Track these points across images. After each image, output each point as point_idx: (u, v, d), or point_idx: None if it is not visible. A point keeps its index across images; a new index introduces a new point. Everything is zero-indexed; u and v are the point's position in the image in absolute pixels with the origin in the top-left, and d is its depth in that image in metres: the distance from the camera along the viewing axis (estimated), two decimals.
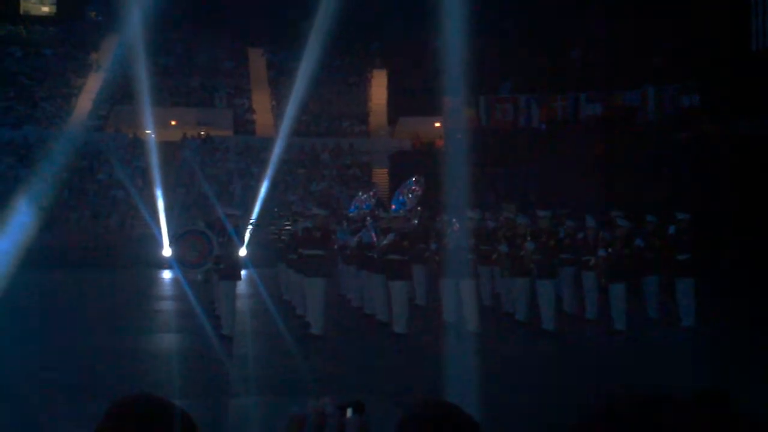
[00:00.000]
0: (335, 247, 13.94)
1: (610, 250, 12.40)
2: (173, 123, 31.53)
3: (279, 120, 28.94)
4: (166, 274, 21.56)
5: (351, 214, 15.63)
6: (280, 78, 33.87)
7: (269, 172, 25.49)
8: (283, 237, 15.19)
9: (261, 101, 34.77)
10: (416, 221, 13.96)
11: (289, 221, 15.42)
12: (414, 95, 30.17)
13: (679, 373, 9.29)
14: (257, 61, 36.62)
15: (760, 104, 16.10)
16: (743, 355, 10.06)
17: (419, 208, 14.56)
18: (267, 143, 28.63)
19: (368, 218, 13.83)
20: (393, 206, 14.59)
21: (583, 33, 25.83)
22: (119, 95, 30.98)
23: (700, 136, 17.30)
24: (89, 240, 24.27)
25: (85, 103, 32.03)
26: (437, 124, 30.04)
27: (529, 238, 12.62)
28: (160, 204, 23.77)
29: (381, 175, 29.97)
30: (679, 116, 20.82)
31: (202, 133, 31.85)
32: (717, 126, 17.09)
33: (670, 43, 21.55)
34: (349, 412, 1.46)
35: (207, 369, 9.64)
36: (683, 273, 12.26)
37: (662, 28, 21.82)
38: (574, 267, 13.43)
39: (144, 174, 26.80)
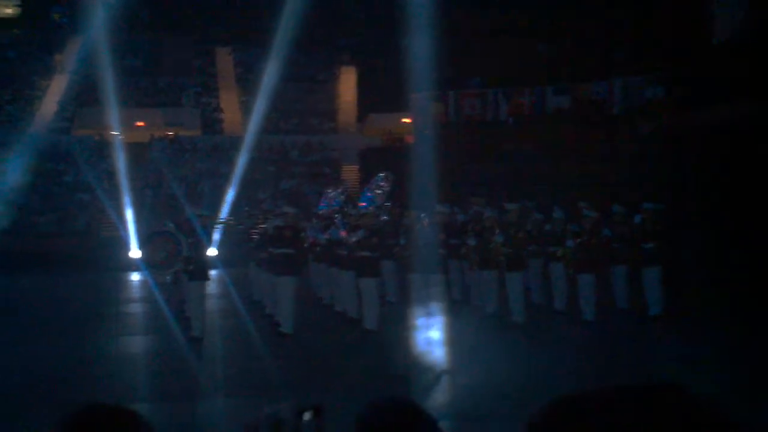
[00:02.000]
0: (305, 245, 13.91)
1: (578, 240, 12.50)
2: (140, 124, 31.20)
3: (247, 118, 28.76)
4: (135, 277, 21.39)
5: (320, 211, 15.59)
6: (248, 76, 33.64)
7: (238, 170, 25.36)
8: (253, 236, 15.12)
9: (229, 100, 34.54)
10: (386, 217, 13.97)
11: (259, 220, 15.33)
12: (383, 92, 30.13)
13: (646, 363, 9.42)
14: (224, 59, 36.35)
15: (723, 95, 16.32)
16: (709, 344, 10.20)
17: (387, 204, 14.57)
18: (236, 142, 28.47)
19: (336, 215, 13.82)
20: (362, 203, 14.58)
21: (549, 26, 25.97)
22: (85, 97, 30.65)
23: (663, 127, 17.50)
24: (56, 243, 23.97)
25: (50, 105, 31.59)
26: (406, 120, 30.05)
27: (497, 231, 12.70)
28: (128, 206, 23.56)
29: (351, 172, 29.93)
30: (644, 108, 21.03)
31: (170, 133, 31.55)
32: (679, 117, 17.30)
33: (634, 36, 21.76)
34: (306, 416, 1.45)
35: (176, 371, 9.58)
36: (649, 262, 12.40)
37: (626, 20, 22.02)
38: (543, 258, 13.54)
39: (111, 176, 26.48)
